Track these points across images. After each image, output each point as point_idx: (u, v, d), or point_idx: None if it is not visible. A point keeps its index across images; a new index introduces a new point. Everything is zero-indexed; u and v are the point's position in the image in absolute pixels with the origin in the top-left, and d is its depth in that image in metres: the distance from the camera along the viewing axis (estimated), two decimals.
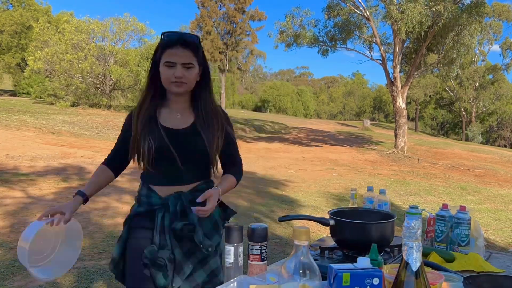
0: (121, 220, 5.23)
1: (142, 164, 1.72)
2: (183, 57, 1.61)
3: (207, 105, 1.72)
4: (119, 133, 1.87)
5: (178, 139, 1.66)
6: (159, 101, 1.74)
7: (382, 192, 1.89)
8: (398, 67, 16.66)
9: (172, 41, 1.61)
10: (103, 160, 1.89)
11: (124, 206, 5.98)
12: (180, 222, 1.61)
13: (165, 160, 1.66)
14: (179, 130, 1.68)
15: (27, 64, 24.55)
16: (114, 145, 1.88)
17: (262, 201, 6.95)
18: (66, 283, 3.33)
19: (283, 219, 1.54)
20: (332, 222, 1.43)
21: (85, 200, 1.84)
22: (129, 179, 8.00)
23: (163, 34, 1.65)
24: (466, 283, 1.06)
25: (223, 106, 38.91)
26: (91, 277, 3.45)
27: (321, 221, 1.46)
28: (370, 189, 1.93)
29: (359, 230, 1.38)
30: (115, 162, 1.88)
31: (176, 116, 1.71)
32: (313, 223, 1.50)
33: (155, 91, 1.73)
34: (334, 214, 1.47)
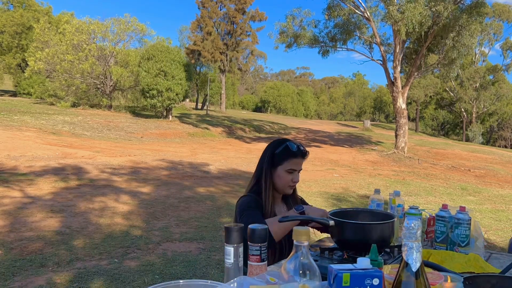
0: (120, 220, 5.26)
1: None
2: (301, 165, 1.90)
3: (295, 197, 2.02)
4: (245, 208, 1.86)
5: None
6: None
7: (397, 193, 1.93)
8: (399, 67, 16.66)
9: (298, 154, 1.85)
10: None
11: (122, 206, 5.99)
12: None
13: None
14: None
15: (27, 64, 24.58)
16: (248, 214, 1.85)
17: None
18: (66, 284, 3.33)
19: (283, 219, 1.55)
20: (332, 222, 1.43)
21: None
22: (127, 179, 8.01)
23: (288, 142, 1.87)
24: (466, 284, 1.06)
25: (223, 107, 39.02)
26: (91, 277, 3.46)
27: (322, 222, 1.46)
28: (397, 193, 1.95)
29: (359, 231, 1.38)
30: None
31: (282, 210, 1.95)
32: (313, 223, 1.51)
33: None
34: (334, 214, 1.46)
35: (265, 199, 1.85)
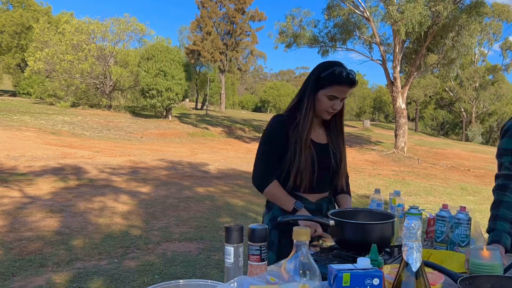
0: (119, 220, 5.26)
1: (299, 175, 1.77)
2: (345, 93, 1.75)
3: (339, 126, 1.91)
4: (265, 140, 1.83)
5: (326, 152, 1.85)
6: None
7: (397, 193, 1.93)
8: (398, 67, 16.66)
9: (345, 81, 1.70)
10: (272, 175, 1.82)
11: (121, 206, 5.98)
12: None
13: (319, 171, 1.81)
14: (322, 144, 1.85)
15: (27, 64, 24.57)
16: (263, 157, 1.83)
17: (259, 201, 6.96)
18: (66, 284, 3.32)
19: (283, 219, 1.54)
20: (332, 222, 1.43)
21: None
22: (127, 179, 8.00)
23: (337, 67, 1.71)
24: (466, 283, 1.06)
25: (223, 107, 39.01)
26: (91, 277, 3.45)
27: (322, 222, 1.46)
28: (397, 193, 1.95)
29: (359, 231, 1.38)
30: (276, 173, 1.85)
31: (319, 131, 1.87)
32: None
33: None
34: (334, 214, 1.46)
35: (303, 119, 1.76)
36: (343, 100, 1.79)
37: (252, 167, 1.83)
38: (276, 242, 1.78)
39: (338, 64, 1.74)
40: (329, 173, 1.86)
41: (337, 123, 1.90)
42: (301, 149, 1.73)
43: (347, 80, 1.70)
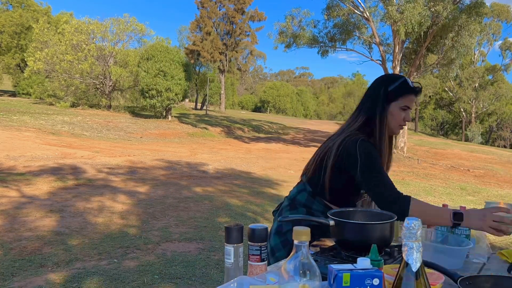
0: (118, 220, 5.25)
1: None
2: (414, 104, 1.78)
3: (392, 145, 1.88)
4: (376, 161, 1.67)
5: None
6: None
7: None
8: (398, 67, 16.67)
9: (415, 90, 1.72)
10: (404, 195, 1.59)
11: (120, 206, 5.98)
12: None
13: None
14: None
15: (27, 64, 24.57)
16: (388, 177, 1.66)
17: (257, 201, 6.96)
18: (66, 284, 3.32)
19: (283, 220, 1.54)
20: (332, 222, 1.43)
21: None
22: (126, 179, 8.00)
23: (402, 81, 1.72)
24: (466, 284, 1.06)
25: (222, 107, 39.03)
26: (90, 278, 3.45)
27: (322, 222, 1.46)
28: None
29: (359, 231, 1.38)
30: None
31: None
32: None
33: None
34: (334, 214, 1.46)
35: (380, 138, 1.70)
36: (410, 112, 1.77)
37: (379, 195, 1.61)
38: (291, 242, 1.72)
39: (403, 76, 1.77)
40: None
41: (391, 141, 1.85)
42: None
43: (416, 88, 1.73)
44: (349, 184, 1.70)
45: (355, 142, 1.64)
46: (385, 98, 1.72)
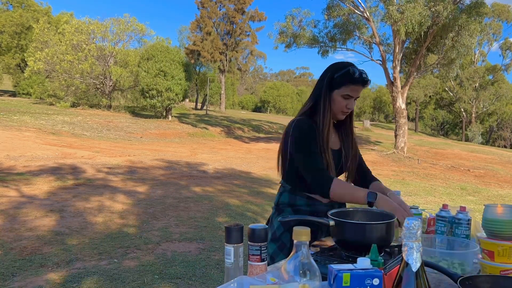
0: (118, 220, 5.26)
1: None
2: (359, 93, 1.77)
3: (349, 128, 1.92)
4: (305, 143, 1.75)
5: (339, 158, 1.86)
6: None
7: (397, 193, 1.92)
8: (398, 67, 16.67)
9: (359, 80, 1.72)
10: (329, 175, 1.71)
11: (120, 206, 5.98)
12: None
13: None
14: (335, 150, 1.86)
15: (27, 64, 24.57)
16: (317, 157, 1.73)
17: (257, 201, 6.96)
18: (66, 284, 3.32)
19: (283, 220, 1.54)
20: (332, 222, 1.43)
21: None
22: (126, 180, 8.01)
23: (350, 67, 1.73)
24: (466, 284, 1.05)
25: (222, 107, 39.02)
26: (91, 278, 3.45)
27: (322, 222, 1.46)
28: (397, 193, 1.94)
29: (359, 231, 1.38)
30: None
31: (333, 136, 1.85)
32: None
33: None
34: (334, 214, 1.46)
35: (322, 120, 1.76)
36: (355, 100, 1.81)
37: (308, 179, 1.72)
38: (288, 245, 1.78)
39: (351, 64, 1.77)
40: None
41: (347, 125, 1.91)
42: (322, 154, 1.73)
43: (360, 79, 1.72)
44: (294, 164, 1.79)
45: (292, 123, 1.79)
46: (328, 85, 1.77)
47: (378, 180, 1.98)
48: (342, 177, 1.91)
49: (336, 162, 1.83)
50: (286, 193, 1.86)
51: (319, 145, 1.74)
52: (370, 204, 1.58)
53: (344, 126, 1.90)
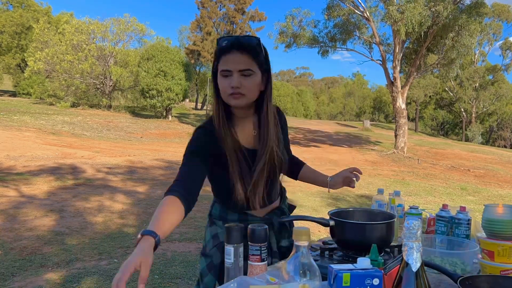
0: (118, 220, 5.26)
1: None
2: (240, 63, 1.37)
3: (266, 115, 1.49)
4: (185, 150, 1.48)
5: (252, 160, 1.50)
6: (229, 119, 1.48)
7: (397, 193, 1.92)
8: (398, 67, 16.67)
9: (227, 45, 1.38)
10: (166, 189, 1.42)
11: (120, 206, 5.98)
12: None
13: None
14: (250, 149, 1.51)
15: (27, 64, 24.58)
16: (181, 165, 1.46)
17: None
18: (66, 284, 3.32)
19: (282, 219, 1.54)
20: (332, 222, 1.43)
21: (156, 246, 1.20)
22: (126, 179, 8.01)
23: (218, 39, 1.42)
24: (466, 284, 1.05)
25: None
26: (91, 278, 3.45)
27: (322, 222, 1.46)
28: (397, 193, 1.94)
29: (359, 231, 1.38)
30: (189, 189, 1.44)
31: (253, 134, 1.52)
32: (313, 223, 1.50)
33: (225, 108, 1.47)
34: (334, 214, 1.46)
35: (216, 119, 1.45)
36: (248, 75, 1.38)
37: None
38: (216, 264, 1.52)
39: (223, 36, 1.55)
40: (270, 180, 1.52)
41: (263, 112, 1.47)
42: (229, 158, 1.46)
43: (230, 44, 1.37)
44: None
45: None
46: (213, 72, 1.45)
47: (305, 164, 1.88)
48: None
49: (249, 163, 1.49)
50: (217, 204, 1.64)
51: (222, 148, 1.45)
52: (331, 187, 1.71)
53: (262, 113, 1.48)
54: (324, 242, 1.54)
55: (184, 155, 1.48)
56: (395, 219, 1.42)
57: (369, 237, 1.35)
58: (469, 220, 1.67)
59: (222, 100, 1.44)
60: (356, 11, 16.83)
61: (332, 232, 1.45)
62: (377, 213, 1.52)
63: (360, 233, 1.38)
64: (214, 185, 1.63)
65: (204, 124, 1.50)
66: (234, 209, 1.56)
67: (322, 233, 4.66)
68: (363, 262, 0.95)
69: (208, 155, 1.48)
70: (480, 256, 1.33)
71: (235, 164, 1.47)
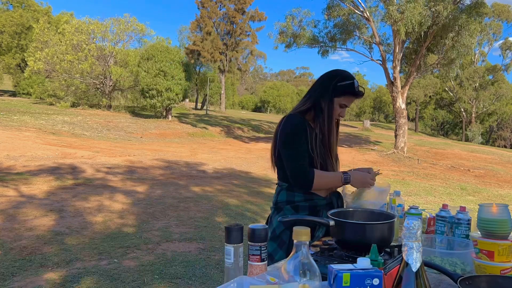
0: (118, 220, 5.25)
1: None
2: (352, 103, 1.92)
3: (337, 133, 2.02)
4: (295, 140, 1.83)
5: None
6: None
7: (397, 193, 1.92)
8: (398, 67, 16.67)
9: (358, 94, 1.86)
10: (309, 168, 1.82)
11: (120, 206, 5.98)
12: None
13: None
14: None
15: (27, 64, 24.58)
16: (302, 152, 1.83)
17: (256, 201, 6.96)
18: (66, 284, 3.32)
19: (283, 220, 1.55)
20: (332, 222, 1.43)
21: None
22: (127, 180, 8.01)
23: (351, 83, 1.84)
24: (466, 284, 1.05)
25: (222, 107, 39.01)
26: (91, 278, 3.45)
27: (322, 222, 1.46)
28: (397, 193, 1.95)
29: (359, 231, 1.38)
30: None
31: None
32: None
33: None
34: (333, 214, 1.46)
35: (328, 126, 1.85)
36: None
37: (289, 171, 1.82)
38: (287, 242, 1.82)
39: (353, 77, 1.88)
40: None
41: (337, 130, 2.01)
42: (325, 154, 1.85)
43: (360, 93, 1.87)
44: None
45: (282, 119, 1.87)
46: (332, 92, 1.85)
47: None
48: None
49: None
50: (283, 191, 1.89)
51: (317, 144, 1.83)
52: (347, 183, 1.83)
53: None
54: (324, 243, 1.54)
55: (294, 144, 1.85)
56: (395, 219, 1.42)
57: (369, 237, 1.35)
58: (469, 220, 1.67)
59: (329, 115, 1.86)
60: (356, 11, 16.83)
61: (332, 232, 1.45)
62: (377, 213, 1.52)
63: (360, 233, 1.37)
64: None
65: (302, 118, 1.86)
66: (300, 190, 1.86)
67: None
68: (363, 262, 0.95)
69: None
70: (474, 255, 1.33)
71: (331, 163, 1.91)
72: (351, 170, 1.90)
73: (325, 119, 1.85)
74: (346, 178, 1.82)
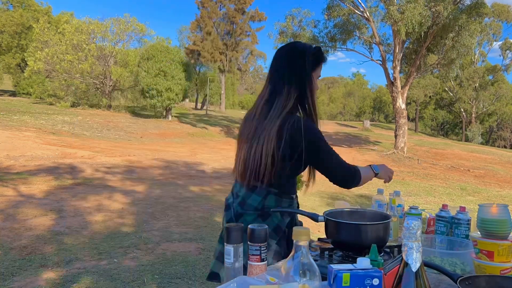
0: (118, 220, 5.25)
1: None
2: None
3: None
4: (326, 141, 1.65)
5: None
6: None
7: (397, 193, 1.92)
8: (398, 67, 16.67)
9: (326, 58, 1.68)
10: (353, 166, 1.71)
11: (120, 206, 5.98)
12: None
13: None
14: None
15: (27, 64, 24.58)
16: (339, 156, 1.68)
17: None
18: (66, 284, 3.32)
19: (274, 210, 1.57)
20: (321, 218, 1.43)
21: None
22: (127, 179, 8.00)
23: (318, 48, 1.64)
24: (466, 284, 1.05)
25: (222, 107, 39.00)
26: (90, 277, 3.45)
27: (311, 216, 1.47)
28: (397, 193, 1.94)
29: (354, 231, 1.37)
30: None
31: None
32: (314, 223, 1.51)
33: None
34: (329, 214, 1.46)
35: (314, 112, 1.62)
36: None
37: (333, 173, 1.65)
38: (283, 227, 1.67)
39: (310, 44, 1.69)
40: None
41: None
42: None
43: (326, 59, 1.69)
44: (296, 167, 1.64)
45: (297, 125, 1.54)
46: (311, 67, 1.60)
47: None
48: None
49: None
50: (272, 195, 1.64)
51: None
52: (376, 175, 1.80)
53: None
54: (320, 239, 1.54)
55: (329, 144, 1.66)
56: (391, 220, 1.42)
57: (364, 238, 1.35)
58: (468, 220, 1.67)
59: (312, 95, 1.63)
60: (356, 11, 16.84)
61: (327, 232, 1.46)
62: (374, 214, 1.51)
63: (355, 233, 1.37)
64: (286, 174, 1.66)
65: (306, 117, 1.65)
66: (288, 194, 1.70)
67: (322, 233, 4.66)
68: (363, 262, 0.95)
69: None
70: (475, 256, 1.33)
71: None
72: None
73: (310, 105, 1.61)
74: (376, 169, 1.78)
